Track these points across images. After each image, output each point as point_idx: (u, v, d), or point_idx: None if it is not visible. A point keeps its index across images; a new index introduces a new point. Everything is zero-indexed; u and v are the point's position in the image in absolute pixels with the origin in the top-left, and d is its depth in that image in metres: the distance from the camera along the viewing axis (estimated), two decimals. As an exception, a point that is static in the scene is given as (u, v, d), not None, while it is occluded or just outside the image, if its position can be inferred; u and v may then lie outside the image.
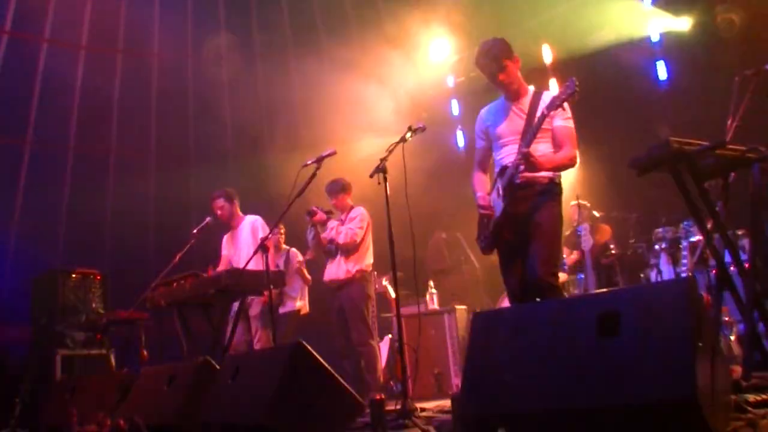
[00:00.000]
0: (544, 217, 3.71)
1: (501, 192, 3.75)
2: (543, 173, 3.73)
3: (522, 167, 3.62)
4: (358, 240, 5.70)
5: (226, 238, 6.18)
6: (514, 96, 3.87)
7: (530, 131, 3.63)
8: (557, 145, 3.76)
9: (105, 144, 10.11)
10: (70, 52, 9.70)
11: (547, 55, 8.04)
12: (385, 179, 4.33)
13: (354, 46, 9.51)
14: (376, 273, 6.91)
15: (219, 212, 5.98)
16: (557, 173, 3.82)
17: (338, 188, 5.90)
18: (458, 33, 9.11)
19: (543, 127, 3.68)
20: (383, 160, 4.37)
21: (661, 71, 7.54)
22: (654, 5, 7.49)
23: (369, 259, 5.81)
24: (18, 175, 9.46)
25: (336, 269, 5.75)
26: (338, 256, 5.76)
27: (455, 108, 9.62)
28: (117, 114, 10.07)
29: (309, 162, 4.92)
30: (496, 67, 3.78)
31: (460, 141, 9.54)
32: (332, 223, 5.76)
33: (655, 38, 7.62)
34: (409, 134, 4.39)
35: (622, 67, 7.23)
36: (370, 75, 8.86)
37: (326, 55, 10.02)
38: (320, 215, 5.72)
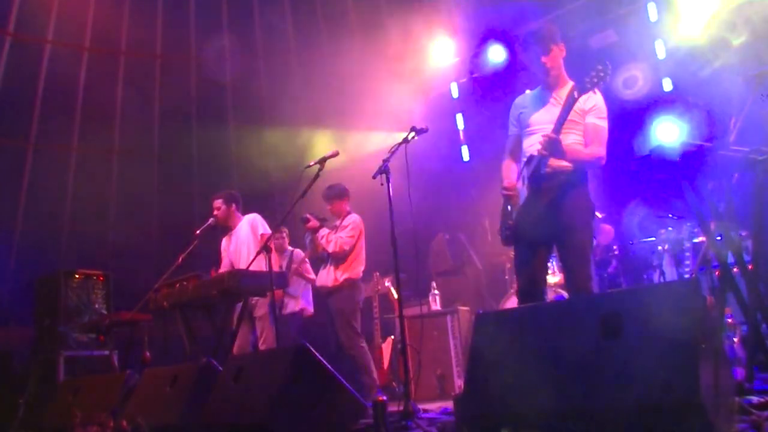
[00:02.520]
0: (575, 213, 3.60)
1: (526, 181, 3.66)
2: (568, 163, 3.62)
3: (547, 155, 3.50)
4: (347, 248, 5.65)
5: (224, 240, 6.15)
6: (553, 84, 3.77)
7: (560, 118, 3.51)
8: (586, 142, 3.68)
9: (108, 144, 10.13)
10: (73, 53, 9.73)
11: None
12: (388, 180, 4.32)
13: (356, 47, 9.54)
14: (378, 274, 6.93)
15: (215, 212, 5.96)
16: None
17: (333, 194, 5.85)
18: (460, 34, 9.10)
19: (575, 120, 3.61)
20: (386, 160, 4.36)
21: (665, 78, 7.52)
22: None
23: (359, 268, 5.75)
24: (21, 175, 9.49)
25: (326, 276, 5.74)
26: (329, 264, 5.75)
27: (460, 121, 9.56)
28: (120, 114, 10.10)
29: (311, 163, 4.92)
30: (541, 49, 3.70)
31: (465, 151, 9.47)
32: (323, 231, 5.73)
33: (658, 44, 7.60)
34: (411, 136, 4.39)
35: (624, 68, 7.21)
36: (371, 75, 8.87)
37: (327, 56, 10.04)
38: (313, 222, 5.71)
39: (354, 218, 5.80)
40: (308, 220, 5.72)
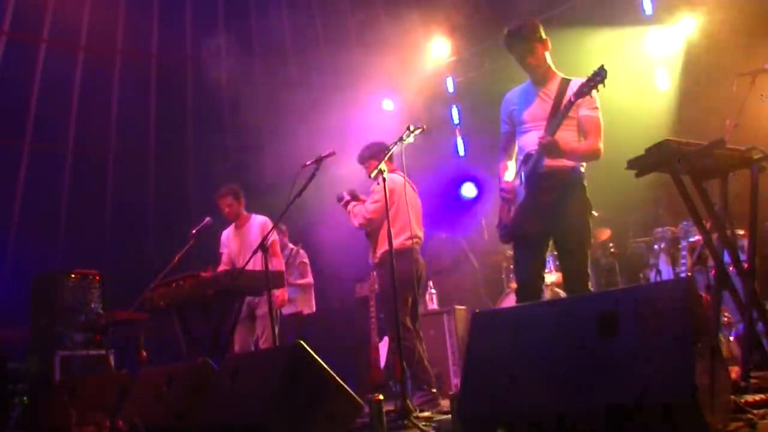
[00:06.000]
0: (573, 213, 3.61)
1: (524, 180, 3.64)
2: (566, 162, 3.62)
3: (544, 156, 3.51)
4: (370, 216, 4.99)
5: (226, 234, 6.05)
6: (541, 80, 3.75)
7: (555, 119, 3.52)
8: (583, 135, 3.66)
9: (104, 144, 10.11)
10: (69, 53, 9.70)
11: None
12: (384, 180, 4.31)
13: (353, 48, 9.52)
14: (375, 273, 6.66)
15: (227, 209, 5.87)
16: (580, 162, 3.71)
17: (366, 155, 5.18)
18: (457, 33, 9.10)
19: (569, 115, 3.58)
20: (382, 160, 4.36)
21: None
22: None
23: (400, 237, 4.88)
24: (17, 175, 9.46)
25: (371, 256, 5.24)
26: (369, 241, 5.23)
27: (455, 113, 9.57)
28: (116, 114, 10.07)
29: (308, 162, 4.88)
30: (525, 49, 3.68)
31: (460, 145, 9.48)
32: (350, 206, 5.25)
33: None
34: (407, 134, 4.37)
35: (622, 69, 7.21)
36: (369, 76, 8.86)
37: (326, 57, 10.03)
38: (346, 199, 5.30)
39: (381, 182, 4.79)
40: (342, 199, 5.32)
